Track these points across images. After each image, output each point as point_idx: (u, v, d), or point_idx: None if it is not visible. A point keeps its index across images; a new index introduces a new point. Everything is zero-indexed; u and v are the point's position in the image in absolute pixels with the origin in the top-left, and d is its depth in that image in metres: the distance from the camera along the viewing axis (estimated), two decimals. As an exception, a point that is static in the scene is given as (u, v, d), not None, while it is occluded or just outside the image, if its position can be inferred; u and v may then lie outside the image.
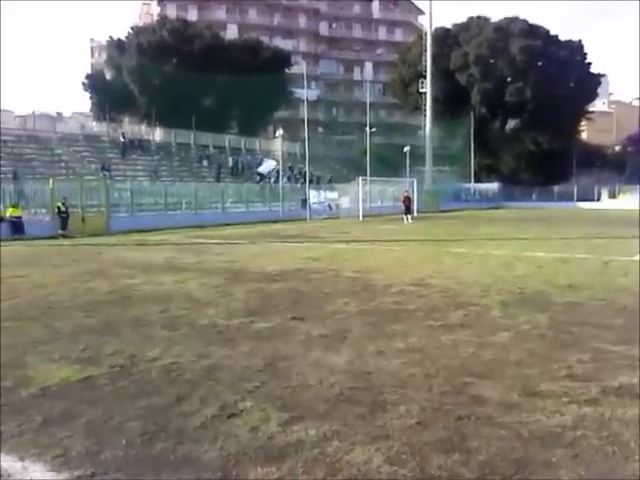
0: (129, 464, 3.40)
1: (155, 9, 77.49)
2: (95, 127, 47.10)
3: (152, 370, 5.16)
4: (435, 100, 56.78)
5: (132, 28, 56.69)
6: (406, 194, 34.32)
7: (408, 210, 32.59)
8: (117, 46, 54.62)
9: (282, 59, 59.21)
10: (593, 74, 65.65)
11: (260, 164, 43.29)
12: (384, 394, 4.49)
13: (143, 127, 49.18)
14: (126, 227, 24.24)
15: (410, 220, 31.33)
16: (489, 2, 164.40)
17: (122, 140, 42.43)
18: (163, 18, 60.25)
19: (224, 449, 3.56)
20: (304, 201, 36.81)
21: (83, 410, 4.20)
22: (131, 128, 48.16)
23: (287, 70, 59.52)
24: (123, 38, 55.02)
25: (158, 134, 47.78)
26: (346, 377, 4.90)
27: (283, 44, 70.85)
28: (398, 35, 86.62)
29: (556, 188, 62.35)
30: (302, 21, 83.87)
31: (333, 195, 39.38)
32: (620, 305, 7.88)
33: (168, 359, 5.48)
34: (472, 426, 3.88)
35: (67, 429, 3.87)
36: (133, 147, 42.98)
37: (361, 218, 34.98)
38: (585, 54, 64.94)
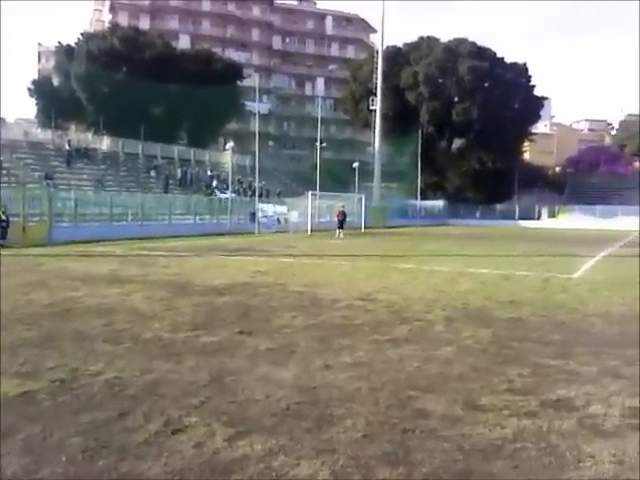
0: (69, 481, 3.32)
1: (107, 16, 76.33)
2: (40, 134, 45.74)
3: (94, 385, 5.04)
4: (385, 117, 57.62)
5: (82, 34, 55.60)
6: (341, 209, 35.44)
7: (341, 225, 33.75)
8: (66, 52, 53.41)
9: (234, 71, 59.03)
10: (537, 97, 67.86)
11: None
12: (331, 408, 4.52)
13: (90, 135, 48.13)
14: (69, 237, 23.58)
15: (342, 235, 32.14)
16: (439, 23, 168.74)
17: (67, 148, 41.40)
18: (114, 25, 59.32)
19: (168, 465, 3.52)
20: (253, 214, 36.69)
21: (21, 426, 4.07)
22: (77, 136, 47.07)
23: (239, 82, 59.40)
24: (72, 44, 53.87)
25: (105, 143, 46.82)
26: (293, 391, 4.91)
27: (236, 56, 70.80)
28: (350, 52, 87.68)
29: (499, 206, 64.18)
30: (255, 34, 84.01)
31: (282, 209, 39.39)
32: (559, 321, 8.16)
33: (111, 373, 5.37)
34: (416, 439, 3.95)
35: (3, 446, 3.74)
36: (79, 155, 41.98)
37: (310, 232, 35.12)
38: (529, 77, 67.05)
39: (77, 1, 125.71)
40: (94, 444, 3.78)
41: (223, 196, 36.63)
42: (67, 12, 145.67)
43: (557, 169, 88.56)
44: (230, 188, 38.47)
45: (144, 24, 70.35)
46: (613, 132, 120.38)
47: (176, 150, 49.70)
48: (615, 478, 3.44)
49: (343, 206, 36.76)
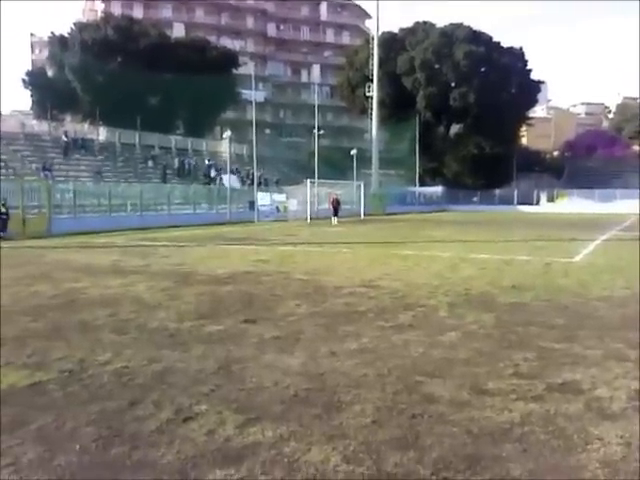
0: (84, 470, 3.35)
1: (99, 6, 75.71)
2: (36, 126, 45.53)
3: (103, 375, 5.07)
4: (381, 104, 57.42)
5: (75, 24, 55.17)
6: (335, 197, 35.82)
7: (336, 212, 34.28)
8: (59, 42, 53.03)
9: (229, 59, 58.69)
10: (533, 81, 67.61)
11: (220, 176, 42.48)
12: (339, 394, 4.55)
13: (86, 126, 47.94)
14: (69, 229, 23.58)
15: (335, 222, 32.56)
16: (434, 8, 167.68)
17: (64, 139, 41.22)
18: (108, 15, 58.92)
19: (181, 452, 3.55)
20: (251, 203, 36.67)
21: (33, 416, 4.10)
22: (74, 127, 46.85)
23: (234, 70, 59.10)
24: (65, 34, 53.48)
25: (102, 133, 46.67)
26: (300, 378, 4.94)
27: (230, 44, 70.38)
28: (345, 38, 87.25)
29: (497, 192, 64.10)
30: (250, 22, 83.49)
31: (281, 197, 39.36)
32: (562, 305, 8.19)
33: (119, 363, 5.40)
34: (425, 424, 3.98)
35: (17, 436, 3.77)
36: (76, 147, 41.82)
37: (309, 220, 35.13)
38: (526, 61, 66.79)
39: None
40: (106, 432, 3.82)
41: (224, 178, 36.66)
42: (59, 2, 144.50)
43: (555, 153, 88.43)
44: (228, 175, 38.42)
45: (137, 13, 69.82)
46: (610, 115, 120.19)
47: (173, 140, 49.54)
48: (623, 460, 3.48)
49: (337, 193, 37.06)
